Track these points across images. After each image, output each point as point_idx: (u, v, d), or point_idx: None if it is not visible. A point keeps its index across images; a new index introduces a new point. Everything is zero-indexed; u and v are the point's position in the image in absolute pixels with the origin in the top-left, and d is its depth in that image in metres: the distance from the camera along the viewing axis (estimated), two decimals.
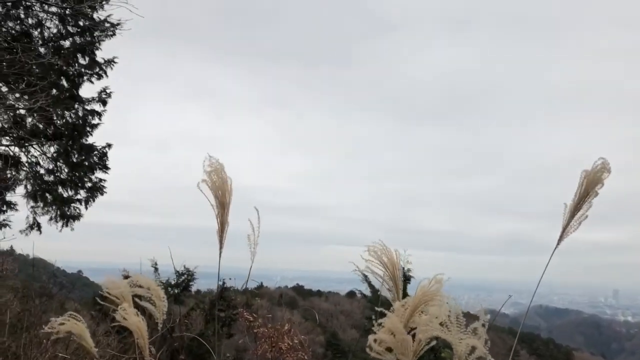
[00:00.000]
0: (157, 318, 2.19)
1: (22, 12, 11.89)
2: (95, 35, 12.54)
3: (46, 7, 11.73)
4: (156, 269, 10.48)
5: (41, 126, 12.68)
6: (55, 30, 12.34)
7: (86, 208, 13.92)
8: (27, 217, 13.46)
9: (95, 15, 12.30)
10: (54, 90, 12.21)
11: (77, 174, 13.66)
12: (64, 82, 13.04)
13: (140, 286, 2.24)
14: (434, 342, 1.58)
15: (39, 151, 13.17)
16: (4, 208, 12.90)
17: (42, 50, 12.16)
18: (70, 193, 13.79)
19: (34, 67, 10.32)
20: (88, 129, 13.49)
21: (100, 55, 13.04)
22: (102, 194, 14.09)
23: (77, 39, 12.63)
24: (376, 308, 1.63)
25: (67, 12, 11.87)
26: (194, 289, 12.50)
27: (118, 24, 12.21)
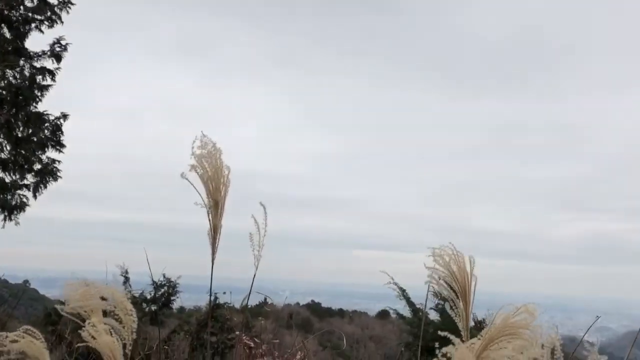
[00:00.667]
0: (124, 338, 2.15)
1: None
2: None
3: None
4: (127, 279, 10.55)
5: None
6: None
7: (35, 197, 14.07)
8: None
9: None
10: None
11: (22, 152, 13.77)
12: (5, 31, 13.10)
13: (103, 298, 2.21)
14: None
15: None
16: None
17: None
18: (14, 177, 13.91)
19: None
20: (37, 92, 13.57)
21: None
22: (55, 179, 14.21)
23: None
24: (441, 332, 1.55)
25: None
26: (176, 305, 12.61)
27: None
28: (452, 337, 1.58)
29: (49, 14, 13.20)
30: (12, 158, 13.69)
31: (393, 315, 16.67)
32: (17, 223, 14.07)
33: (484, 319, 2.90)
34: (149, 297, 11.17)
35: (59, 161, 14.05)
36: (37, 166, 13.86)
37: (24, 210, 14.04)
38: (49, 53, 13.43)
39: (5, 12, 12.81)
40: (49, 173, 13.97)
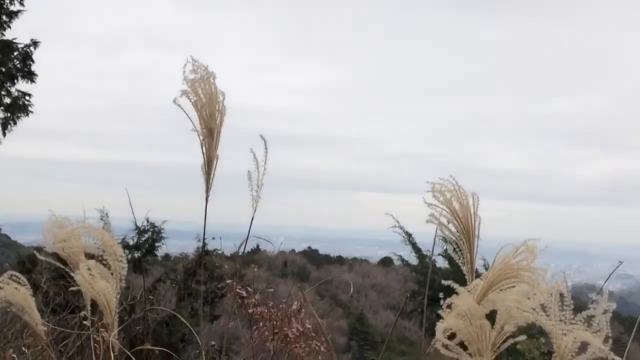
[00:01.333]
0: (113, 287, 2.20)
1: None
2: None
3: None
4: (106, 224, 10.64)
5: None
6: None
7: (4, 134, 14.08)
8: None
9: None
10: None
11: None
12: None
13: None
14: (521, 337, 1.54)
15: None
16: None
17: None
18: None
19: None
20: (4, 18, 13.40)
21: None
22: (26, 114, 14.18)
23: None
24: (446, 281, 1.54)
25: None
26: (161, 252, 12.74)
27: None
28: (456, 286, 1.55)
29: None
30: None
31: (397, 263, 16.79)
32: None
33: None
34: (131, 243, 11.26)
35: (30, 94, 13.98)
36: (7, 100, 13.79)
37: None
38: None
39: None
40: (19, 108, 13.91)
